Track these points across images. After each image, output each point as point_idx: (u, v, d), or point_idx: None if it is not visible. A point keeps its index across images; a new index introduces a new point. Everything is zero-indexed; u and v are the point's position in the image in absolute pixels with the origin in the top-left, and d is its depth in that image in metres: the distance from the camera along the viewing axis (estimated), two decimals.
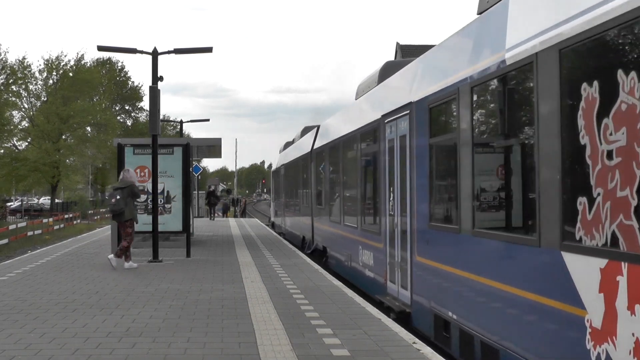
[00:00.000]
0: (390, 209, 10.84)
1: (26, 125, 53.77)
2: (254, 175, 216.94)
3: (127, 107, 72.84)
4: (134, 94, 71.44)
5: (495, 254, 6.85)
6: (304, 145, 22.57)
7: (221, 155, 26.31)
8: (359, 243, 13.21)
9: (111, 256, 14.46)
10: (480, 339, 7.12)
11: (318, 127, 20.61)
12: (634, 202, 4.61)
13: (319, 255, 18.32)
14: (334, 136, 16.27)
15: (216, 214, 44.79)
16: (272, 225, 35.17)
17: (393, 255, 10.67)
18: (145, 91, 68.97)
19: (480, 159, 7.51)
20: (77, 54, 61.63)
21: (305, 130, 25.22)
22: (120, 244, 14.57)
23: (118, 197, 14.28)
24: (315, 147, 19.64)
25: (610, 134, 4.86)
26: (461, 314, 7.72)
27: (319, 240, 18.79)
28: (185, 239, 16.88)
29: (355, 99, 15.08)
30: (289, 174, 27.65)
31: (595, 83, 5.06)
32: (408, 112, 9.69)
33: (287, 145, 31.29)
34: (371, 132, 12.28)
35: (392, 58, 56.43)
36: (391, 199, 10.73)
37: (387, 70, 12.63)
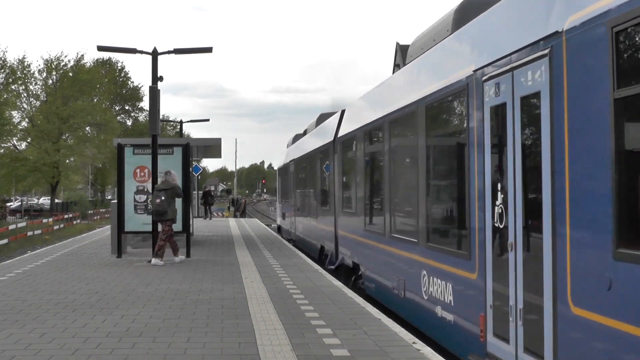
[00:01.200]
0: (496, 218, 6.54)
1: (26, 125, 53.77)
2: (254, 175, 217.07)
3: (127, 107, 72.86)
4: (134, 94, 71.46)
5: None
6: (324, 134, 18.14)
7: (221, 155, 26.33)
8: (423, 266, 8.86)
9: (153, 260, 14.86)
10: None
11: (343, 110, 16.05)
12: None
13: (347, 273, 14.25)
14: (374, 116, 11.90)
15: (213, 214, 44.91)
16: (279, 230, 30.84)
17: (503, 294, 6.36)
18: (145, 91, 69.05)
19: None
20: (77, 54, 61.69)
21: (322, 118, 20.79)
22: (160, 243, 15.04)
23: (163, 197, 14.89)
24: (340, 134, 15.26)
25: None
26: None
27: (347, 255, 14.30)
28: (185, 239, 16.87)
29: (406, 63, 10.81)
30: (301, 170, 22.91)
31: None
32: (547, 52, 5.68)
33: (297, 137, 26.79)
34: (449, 98, 8.17)
35: (392, 58, 56.41)
36: (499, 201, 6.49)
37: (469, 9, 8.55)
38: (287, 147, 29.50)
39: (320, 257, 17.93)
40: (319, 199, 18.47)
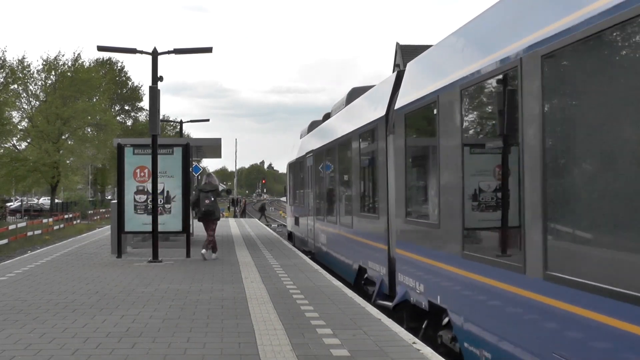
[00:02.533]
0: None
1: (26, 125, 53.77)
2: (254, 175, 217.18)
3: (127, 107, 72.93)
4: (134, 94, 71.53)
5: None
6: (366, 110, 12.98)
7: (221, 155, 26.33)
8: None
9: (203, 251, 16.02)
10: None
11: (401, 71, 10.90)
12: None
13: (414, 314, 9.35)
14: (494, 56, 6.68)
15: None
16: (289, 237, 26.00)
17: None
18: (145, 91, 69.12)
19: None
20: (74, 53, 61.55)
21: (357, 93, 15.33)
22: (206, 240, 16.33)
23: (212, 198, 16.07)
24: (400, 104, 9.93)
25: None
26: None
27: (416, 289, 9.02)
28: (185, 239, 16.88)
29: None
30: (326, 161, 17.41)
31: None
32: None
33: (316, 124, 21.36)
34: None
35: (392, 58, 56.47)
36: None
37: None
38: (301, 137, 24.37)
39: (357, 281, 13.16)
40: (358, 201, 13.26)
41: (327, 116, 19.86)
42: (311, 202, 19.66)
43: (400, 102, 10.10)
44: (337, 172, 15.65)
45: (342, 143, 14.92)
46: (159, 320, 8.67)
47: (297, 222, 23.64)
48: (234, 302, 9.95)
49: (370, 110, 12.57)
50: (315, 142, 19.37)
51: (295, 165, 24.11)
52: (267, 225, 38.35)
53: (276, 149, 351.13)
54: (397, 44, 51.58)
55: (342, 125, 15.54)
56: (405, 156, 9.81)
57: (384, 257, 11.05)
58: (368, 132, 12.42)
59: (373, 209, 12.11)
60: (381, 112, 11.45)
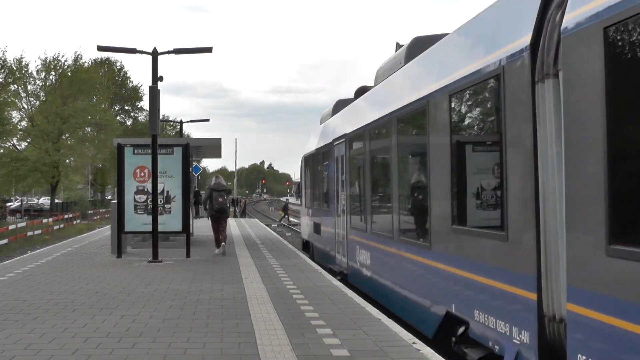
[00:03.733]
0: None
1: (25, 125, 53.77)
2: (254, 175, 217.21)
3: (126, 107, 72.90)
4: (134, 94, 71.49)
5: None
6: (476, 48, 7.50)
7: (221, 155, 26.35)
8: None
9: (217, 251, 17.04)
10: None
11: None
12: None
13: None
14: None
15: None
16: (304, 247, 21.55)
17: None
18: (145, 91, 69.10)
19: None
20: (75, 53, 61.62)
21: (421, 44, 10.29)
22: (217, 237, 17.27)
23: (225, 197, 17.13)
24: (588, 13, 4.82)
25: None
26: None
27: None
28: (185, 239, 16.88)
29: None
30: (370, 149, 12.36)
31: None
32: None
33: (343, 104, 17.02)
34: None
35: None
36: None
37: None
38: (321, 122, 19.59)
39: (441, 333, 8.27)
40: (444, 204, 8.17)
41: (361, 91, 14.93)
42: (342, 205, 14.65)
43: (584, 9, 4.97)
44: (395, 160, 10.57)
45: (410, 114, 9.72)
46: (159, 320, 8.67)
47: (317, 229, 18.46)
48: (234, 302, 9.95)
49: (481, 47, 7.38)
50: (350, 123, 14.21)
51: (316, 158, 18.66)
52: (267, 225, 38.33)
53: (276, 149, 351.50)
54: (397, 44, 51.61)
55: (407, 89, 10.21)
56: (606, 116, 4.69)
57: (529, 313, 5.99)
58: (477, 85, 7.21)
59: (489, 220, 7.17)
60: (520, 42, 6.21)
